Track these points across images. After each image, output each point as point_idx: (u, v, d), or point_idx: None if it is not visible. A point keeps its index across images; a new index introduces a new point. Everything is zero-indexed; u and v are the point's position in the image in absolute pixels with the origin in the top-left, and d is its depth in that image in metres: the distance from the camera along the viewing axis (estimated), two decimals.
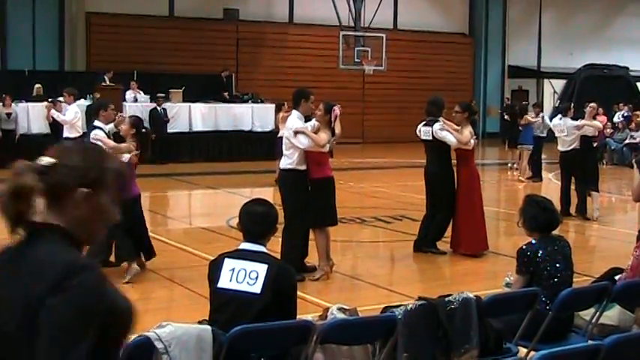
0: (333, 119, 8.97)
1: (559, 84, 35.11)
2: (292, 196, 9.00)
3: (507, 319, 5.42)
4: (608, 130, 24.91)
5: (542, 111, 20.19)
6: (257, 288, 4.69)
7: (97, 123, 9.50)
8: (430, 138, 10.45)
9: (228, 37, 28.39)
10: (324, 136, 8.89)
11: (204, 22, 28.13)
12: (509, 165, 21.77)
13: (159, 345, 4.12)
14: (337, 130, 9.07)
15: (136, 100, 22.66)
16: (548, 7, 33.90)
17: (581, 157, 13.48)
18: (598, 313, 5.62)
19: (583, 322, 5.79)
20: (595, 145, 14.69)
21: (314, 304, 7.81)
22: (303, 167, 8.98)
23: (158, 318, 5.38)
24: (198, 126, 23.30)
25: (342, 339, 4.74)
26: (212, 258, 5.04)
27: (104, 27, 26.45)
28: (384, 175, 20.74)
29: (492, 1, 33.93)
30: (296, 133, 8.87)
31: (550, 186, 18.17)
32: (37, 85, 21.64)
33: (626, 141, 24.73)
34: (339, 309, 5.48)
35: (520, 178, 19.20)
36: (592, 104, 14.14)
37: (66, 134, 13.52)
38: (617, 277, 6.23)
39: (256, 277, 4.72)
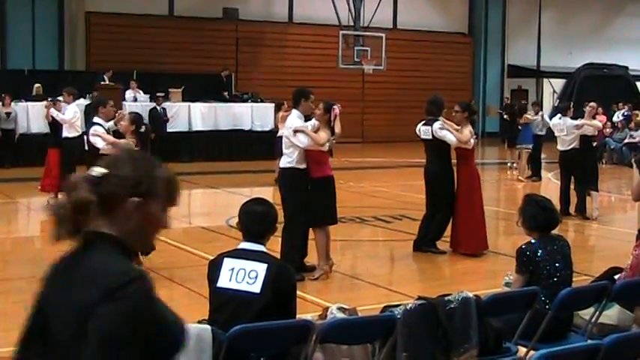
0: (332, 118, 8.97)
1: (558, 83, 35.12)
2: (292, 195, 9.00)
3: (507, 318, 5.42)
4: (607, 130, 24.92)
5: (541, 109, 20.18)
6: (257, 287, 4.69)
7: (96, 119, 9.44)
8: (430, 137, 10.45)
9: (227, 36, 28.40)
10: (323, 135, 8.89)
11: (204, 22, 28.13)
12: (509, 165, 21.78)
13: None
14: (337, 129, 9.07)
15: (135, 100, 22.67)
16: (548, 7, 33.92)
17: (581, 157, 13.48)
18: (597, 313, 5.62)
19: (582, 322, 5.80)
20: (594, 144, 14.70)
21: (314, 303, 7.81)
22: (303, 166, 8.98)
23: None
24: (198, 125, 23.31)
25: (342, 338, 4.73)
26: (212, 257, 5.04)
27: (104, 26, 26.45)
28: (384, 175, 20.74)
29: (492, 1, 33.95)
30: (296, 131, 8.87)
31: (549, 185, 18.17)
32: (37, 85, 21.64)
33: (626, 140, 24.74)
34: (339, 308, 5.48)
35: (519, 177, 19.19)
36: (592, 104, 14.15)
37: (65, 134, 13.52)
38: (616, 277, 6.23)
39: (256, 277, 4.72)
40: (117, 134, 9.67)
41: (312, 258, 9.28)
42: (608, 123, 25.92)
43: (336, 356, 4.92)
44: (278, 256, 8.16)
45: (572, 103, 15.40)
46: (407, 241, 10.93)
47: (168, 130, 22.41)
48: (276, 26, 29.51)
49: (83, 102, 18.34)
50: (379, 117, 31.21)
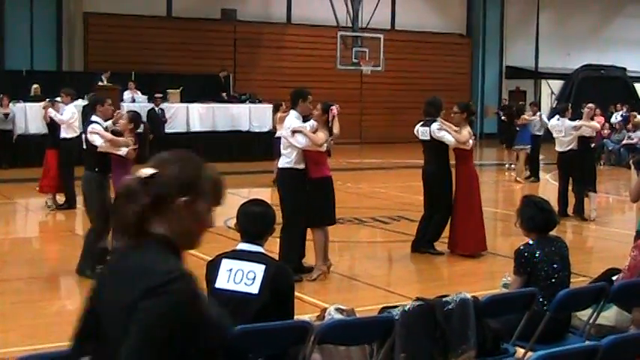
0: (330, 119, 8.98)
1: (557, 85, 35.13)
2: (291, 196, 9.00)
3: (505, 319, 5.43)
4: (605, 131, 24.93)
5: (539, 110, 20.19)
6: (254, 288, 4.69)
7: (94, 118, 9.31)
8: (428, 138, 10.45)
9: (225, 37, 28.38)
10: (321, 135, 8.90)
11: (202, 23, 28.12)
12: (507, 166, 21.79)
13: None
14: (335, 129, 9.08)
15: (133, 101, 22.64)
16: (546, 8, 33.95)
17: (579, 158, 13.49)
18: (595, 314, 5.63)
19: (580, 323, 5.80)
20: (593, 145, 14.71)
21: (311, 304, 7.81)
22: (302, 166, 8.98)
23: None
24: (196, 126, 23.30)
25: (340, 339, 4.73)
26: (209, 258, 5.04)
27: (102, 27, 26.42)
28: (382, 176, 20.75)
29: (490, 2, 33.95)
30: (294, 132, 8.88)
31: (547, 187, 18.18)
32: (35, 86, 21.61)
33: (624, 142, 24.75)
34: (337, 309, 5.48)
35: (517, 179, 19.18)
36: (590, 105, 14.18)
37: (63, 134, 13.50)
38: (614, 278, 6.22)
39: (254, 278, 4.71)
40: (115, 134, 9.60)
41: (310, 259, 9.28)
42: (606, 124, 25.94)
43: (334, 357, 4.92)
44: (276, 257, 8.17)
45: (570, 105, 15.40)
46: (405, 242, 10.93)
47: (167, 130, 22.39)
48: (274, 27, 29.51)
49: (81, 103, 18.33)
50: (377, 118, 31.22)
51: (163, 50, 26.76)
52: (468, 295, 5.30)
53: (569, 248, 5.97)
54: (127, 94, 22.80)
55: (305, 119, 9.25)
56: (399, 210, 14.16)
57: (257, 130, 23.57)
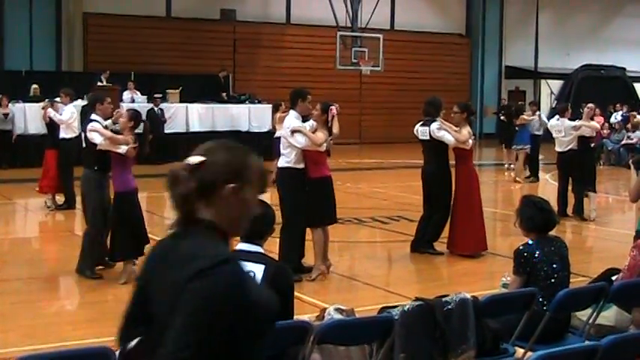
0: (330, 119, 8.98)
1: (556, 85, 35.12)
2: (290, 196, 9.00)
3: (504, 319, 5.43)
4: (605, 131, 24.93)
5: (538, 109, 20.19)
6: None
7: (93, 116, 9.25)
8: (427, 138, 10.45)
9: (225, 37, 28.37)
10: (321, 135, 8.90)
11: (202, 23, 28.11)
12: (506, 166, 21.78)
13: None
14: (335, 129, 9.08)
15: (133, 101, 22.63)
16: (545, 8, 33.95)
17: (579, 158, 13.49)
18: (595, 314, 5.63)
19: (580, 323, 5.80)
20: (592, 145, 14.71)
21: (311, 304, 7.80)
22: (301, 166, 8.99)
23: None
24: (196, 126, 23.29)
25: (340, 339, 4.73)
26: None
27: (101, 27, 26.42)
28: (382, 176, 20.74)
29: (489, 2, 33.96)
30: (293, 132, 8.88)
31: (547, 186, 18.18)
32: (34, 86, 21.62)
33: (623, 141, 24.76)
34: (336, 309, 5.48)
35: (517, 179, 19.17)
36: (590, 105, 14.18)
37: (62, 134, 13.48)
38: (614, 278, 6.22)
39: (253, 278, 4.71)
40: (115, 133, 9.54)
41: (309, 259, 9.28)
42: (606, 124, 25.94)
43: (334, 357, 4.92)
44: (276, 257, 8.17)
45: (569, 105, 15.40)
46: (404, 242, 10.93)
47: (166, 131, 22.40)
48: (273, 27, 29.51)
49: (80, 103, 18.32)
50: (377, 118, 31.21)
51: (163, 50, 26.75)
52: (468, 295, 5.30)
53: (568, 248, 5.97)
54: (126, 95, 22.80)
55: (304, 119, 9.25)
56: (399, 210, 14.16)
57: (256, 131, 23.55)
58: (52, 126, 13.77)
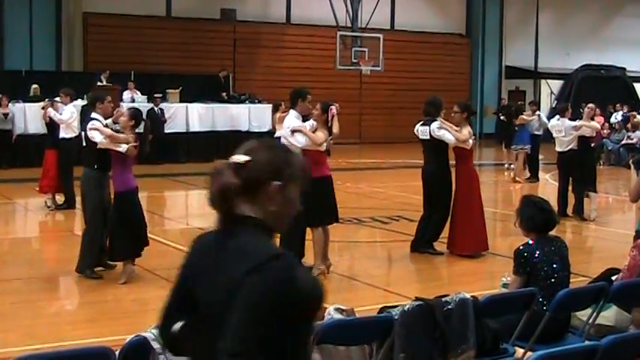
0: (330, 118, 8.98)
1: (556, 85, 35.11)
2: None
3: (504, 319, 5.43)
4: (605, 131, 24.94)
5: (538, 109, 20.18)
6: None
7: (94, 115, 9.21)
8: (428, 137, 10.44)
9: (225, 37, 28.36)
10: (321, 135, 8.90)
11: (202, 23, 28.11)
12: (506, 166, 21.77)
13: (156, 345, 4.11)
14: (335, 129, 9.08)
15: (133, 101, 22.62)
16: (545, 8, 33.94)
17: (579, 158, 13.49)
18: (595, 314, 5.63)
19: (580, 323, 5.80)
20: (592, 145, 14.71)
21: None
22: None
23: (155, 318, 5.36)
24: (196, 126, 23.28)
25: (339, 339, 4.73)
26: None
27: (101, 27, 26.41)
28: (382, 176, 20.74)
29: (489, 2, 33.95)
30: (293, 131, 8.88)
31: (547, 187, 18.18)
32: (34, 86, 21.61)
33: (623, 141, 24.76)
34: (336, 309, 5.47)
35: (517, 179, 19.16)
36: (590, 105, 14.18)
37: (62, 134, 13.48)
38: (613, 278, 6.23)
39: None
40: (116, 132, 9.50)
41: (309, 258, 9.28)
42: (606, 124, 25.94)
43: (334, 357, 4.92)
44: None
45: (570, 105, 15.40)
46: (404, 242, 10.93)
47: (166, 130, 22.39)
48: (273, 27, 29.50)
49: (80, 103, 18.32)
50: (377, 118, 31.21)
51: (163, 50, 26.75)
52: (468, 295, 5.30)
53: (568, 248, 5.97)
54: (126, 94, 22.78)
55: (304, 119, 9.25)
56: (399, 210, 14.16)
57: (256, 130, 23.52)
58: (52, 126, 13.77)
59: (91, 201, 9.16)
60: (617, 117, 27.14)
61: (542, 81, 35.29)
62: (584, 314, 5.78)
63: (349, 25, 27.57)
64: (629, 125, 25.36)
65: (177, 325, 2.56)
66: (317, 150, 8.93)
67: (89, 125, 9.05)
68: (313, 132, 8.91)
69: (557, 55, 34.26)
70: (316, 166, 8.98)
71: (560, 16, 35.05)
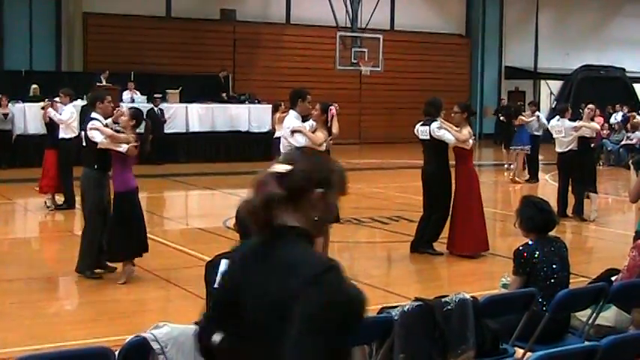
0: (329, 119, 8.99)
1: (556, 85, 35.13)
2: None
3: (504, 319, 5.42)
4: (604, 132, 24.93)
5: (538, 110, 20.18)
6: None
7: (94, 115, 9.20)
8: (428, 137, 10.44)
9: (225, 37, 28.35)
10: (320, 135, 8.91)
11: (201, 23, 28.11)
12: (505, 166, 21.77)
13: (155, 346, 4.11)
14: (334, 129, 9.09)
15: (133, 101, 22.62)
16: (545, 8, 33.95)
17: (579, 158, 13.49)
18: (594, 314, 5.63)
19: (579, 323, 5.80)
20: (592, 146, 14.71)
21: None
22: None
23: (154, 319, 5.38)
24: (195, 127, 23.29)
25: None
26: (209, 259, 5.04)
27: (101, 27, 26.42)
28: (381, 176, 20.74)
29: (489, 2, 33.96)
30: (293, 132, 8.89)
31: (547, 187, 18.18)
32: (34, 86, 21.61)
33: (623, 142, 24.77)
34: None
35: (516, 179, 19.16)
36: (590, 105, 14.18)
37: (62, 135, 13.48)
38: (613, 278, 6.23)
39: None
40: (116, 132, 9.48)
41: None
42: (606, 125, 25.95)
43: None
44: None
45: (569, 105, 15.41)
46: (404, 243, 10.93)
47: (166, 131, 22.39)
48: (273, 27, 29.51)
49: (80, 103, 18.33)
50: (376, 118, 31.22)
51: (162, 50, 26.75)
52: (467, 296, 5.30)
53: (568, 249, 5.97)
54: (126, 95, 22.79)
55: (304, 119, 9.25)
56: (398, 210, 14.16)
57: (256, 131, 23.56)
58: (52, 126, 13.77)
59: (91, 201, 9.15)
60: (616, 117, 27.15)
61: (542, 81, 35.31)
62: (583, 315, 5.78)
63: (349, 25, 27.58)
64: (628, 126, 25.36)
65: (217, 337, 2.57)
66: (317, 150, 8.93)
67: (89, 125, 9.03)
68: (313, 132, 8.92)
69: (556, 55, 34.28)
70: None
71: (560, 17, 35.06)
